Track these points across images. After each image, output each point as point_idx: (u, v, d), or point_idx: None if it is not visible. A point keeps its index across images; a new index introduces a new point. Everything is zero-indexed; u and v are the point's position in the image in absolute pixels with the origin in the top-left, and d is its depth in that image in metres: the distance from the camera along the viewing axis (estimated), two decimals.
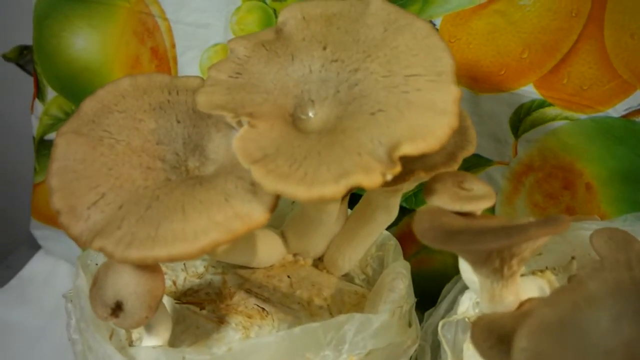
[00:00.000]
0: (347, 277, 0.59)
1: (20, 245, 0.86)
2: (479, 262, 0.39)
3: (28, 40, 0.81)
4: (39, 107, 0.74)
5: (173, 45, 0.68)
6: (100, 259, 0.55)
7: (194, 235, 0.38)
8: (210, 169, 0.46)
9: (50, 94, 0.73)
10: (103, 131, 0.45)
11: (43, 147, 0.76)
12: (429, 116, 0.41)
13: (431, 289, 0.63)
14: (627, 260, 0.40)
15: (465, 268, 0.46)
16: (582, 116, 0.60)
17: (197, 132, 0.48)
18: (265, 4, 0.63)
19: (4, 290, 0.81)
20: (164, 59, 0.69)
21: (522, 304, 0.42)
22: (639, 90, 0.58)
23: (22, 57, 0.82)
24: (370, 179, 0.39)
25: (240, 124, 0.43)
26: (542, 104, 0.61)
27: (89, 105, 0.47)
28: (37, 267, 0.83)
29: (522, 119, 0.62)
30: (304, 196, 0.38)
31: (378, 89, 0.44)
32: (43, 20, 0.70)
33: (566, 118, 0.61)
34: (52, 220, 0.80)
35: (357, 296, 0.57)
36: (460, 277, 0.60)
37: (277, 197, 0.41)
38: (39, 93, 0.74)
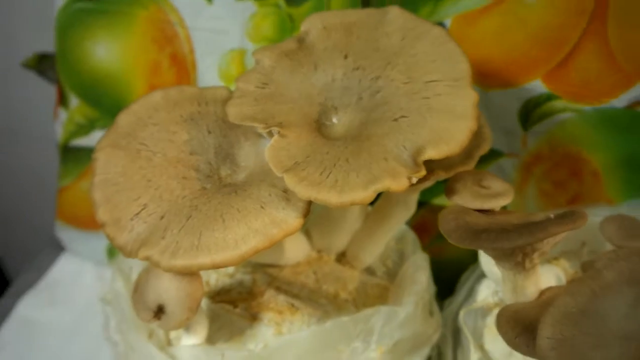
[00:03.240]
0: (369, 270, 0.61)
1: (45, 248, 0.88)
2: (502, 257, 0.42)
3: (43, 48, 0.83)
4: (62, 113, 0.76)
5: (191, 51, 0.70)
6: (134, 262, 0.58)
7: (235, 243, 0.41)
8: (241, 176, 0.49)
9: (73, 101, 0.75)
10: (140, 144, 0.48)
11: (68, 153, 0.78)
12: (450, 120, 0.44)
13: (446, 276, 0.65)
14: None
15: (486, 260, 0.49)
16: (588, 108, 0.62)
17: (227, 141, 0.50)
18: (280, 9, 0.66)
19: (34, 292, 0.83)
20: (183, 65, 0.71)
21: (542, 293, 0.45)
22: None
23: (41, 64, 0.84)
24: (398, 183, 0.42)
25: (271, 134, 0.45)
26: (550, 97, 0.63)
27: (124, 119, 0.49)
28: (64, 268, 0.85)
29: (531, 112, 0.64)
30: (336, 202, 0.41)
31: (399, 95, 0.47)
32: (66, 31, 0.71)
33: (573, 110, 0.63)
34: (77, 222, 0.82)
35: (379, 288, 0.59)
36: (477, 266, 0.63)
37: (309, 203, 0.44)
38: (63, 100, 0.76)
